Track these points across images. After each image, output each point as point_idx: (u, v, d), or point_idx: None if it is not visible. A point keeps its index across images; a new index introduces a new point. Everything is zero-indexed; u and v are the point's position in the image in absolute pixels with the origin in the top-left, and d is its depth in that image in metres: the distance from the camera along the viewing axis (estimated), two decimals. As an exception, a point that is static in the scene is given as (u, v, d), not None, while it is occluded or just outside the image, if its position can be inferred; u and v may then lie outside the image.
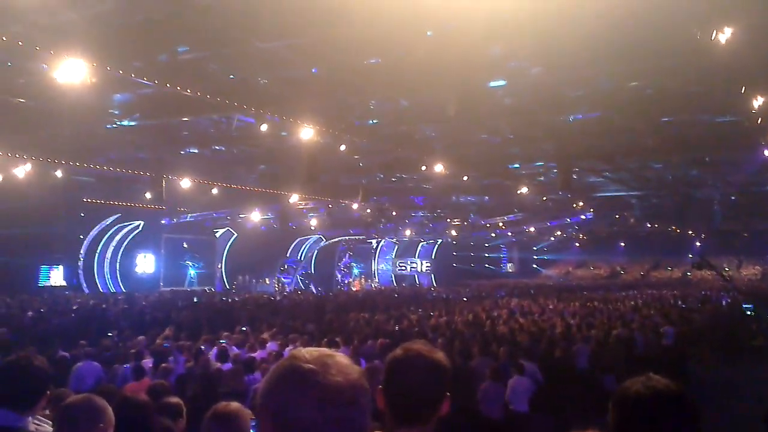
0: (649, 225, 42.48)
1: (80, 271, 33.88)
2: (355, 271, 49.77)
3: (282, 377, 1.43)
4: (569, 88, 14.66)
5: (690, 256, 56.21)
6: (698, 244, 53.79)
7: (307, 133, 15.76)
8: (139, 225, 35.49)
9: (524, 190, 25.99)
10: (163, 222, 35.70)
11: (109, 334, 14.20)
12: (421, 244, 53.19)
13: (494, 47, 12.11)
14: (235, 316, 19.65)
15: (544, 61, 12.65)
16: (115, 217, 33.92)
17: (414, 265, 54.34)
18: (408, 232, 46.19)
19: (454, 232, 45.55)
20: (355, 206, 31.21)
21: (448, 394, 2.16)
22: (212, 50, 12.73)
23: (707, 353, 17.19)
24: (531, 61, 12.92)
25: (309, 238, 45.50)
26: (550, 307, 23.95)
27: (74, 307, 21.84)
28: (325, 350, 1.49)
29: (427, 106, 15.75)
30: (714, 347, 18.28)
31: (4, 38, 11.09)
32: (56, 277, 33.26)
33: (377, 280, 51.20)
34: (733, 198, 30.55)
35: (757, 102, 12.96)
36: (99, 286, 34.14)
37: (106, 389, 5.52)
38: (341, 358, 1.47)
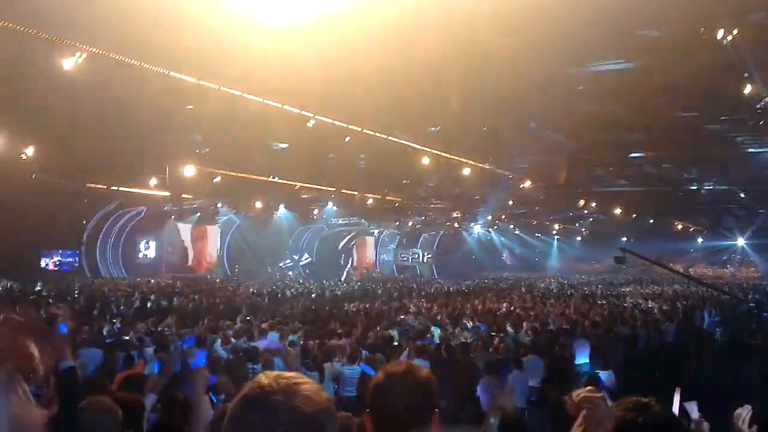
0: (651, 221, 42.42)
1: (83, 256, 34.01)
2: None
3: (250, 407, 1.45)
4: (573, 80, 14.61)
5: (692, 251, 56.30)
6: (701, 240, 53.72)
7: (312, 123, 15.77)
8: (141, 211, 35.54)
9: (527, 183, 25.95)
10: (165, 208, 35.67)
11: (113, 320, 14.23)
12: (423, 235, 53.21)
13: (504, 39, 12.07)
14: (236, 305, 19.71)
15: (549, 52, 12.60)
16: (118, 202, 33.96)
17: (416, 255, 54.38)
18: (410, 223, 46.22)
19: (456, 224, 45.55)
20: (358, 196, 31.19)
21: (437, 410, 2.13)
22: (216, 37, 12.67)
23: (708, 351, 17.20)
24: (536, 53, 12.85)
25: (312, 227, 45.53)
26: (551, 301, 23.96)
27: (76, 293, 21.95)
28: (293, 376, 1.51)
29: (431, 97, 15.66)
30: (714, 345, 18.29)
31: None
32: (57, 260, 33.40)
33: (378, 270, 51.32)
34: (742, 195, 30.37)
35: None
36: (101, 270, 34.27)
37: (95, 380, 5.54)
38: (309, 385, 1.50)
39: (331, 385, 9.89)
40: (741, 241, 49.93)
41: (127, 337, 11.40)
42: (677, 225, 44.67)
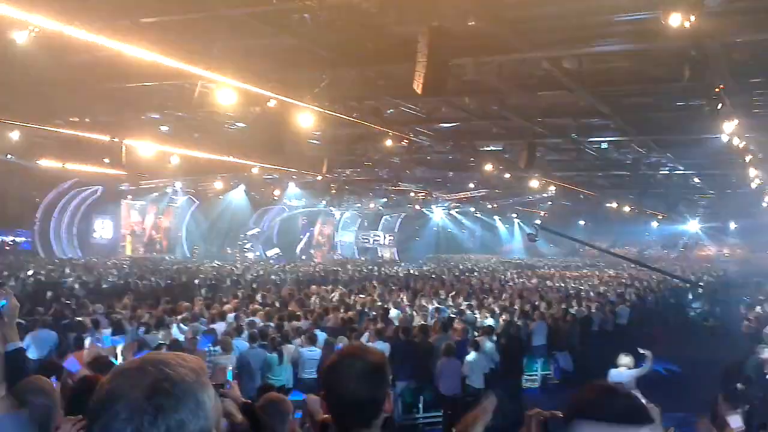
0: (608, 205, 43.10)
1: (35, 235, 33.23)
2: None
3: (114, 377, 1.40)
4: (534, 65, 14.67)
5: (647, 234, 57.42)
6: (655, 224, 54.83)
7: (272, 103, 15.53)
8: (97, 190, 34.80)
9: (488, 167, 26.08)
10: (122, 188, 34.91)
11: (67, 302, 13.96)
12: (384, 217, 53.25)
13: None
14: (195, 286, 19.53)
15: (509, 36, 12.62)
16: (73, 181, 33.13)
17: (377, 237, 54.44)
18: (372, 205, 46.21)
19: (417, 206, 45.67)
20: (318, 178, 31.01)
21: (389, 393, 2.15)
22: (175, 15, 12.38)
23: (660, 333, 17.64)
24: (498, 37, 12.85)
25: (272, 208, 45.18)
26: (510, 284, 24.27)
27: (29, 273, 21.45)
28: (168, 354, 1.48)
29: (391, 79, 15.55)
30: (667, 327, 18.73)
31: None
32: (11, 240, 32.63)
33: (339, 252, 51.28)
34: (696, 180, 30.99)
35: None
36: (55, 250, 33.53)
37: (49, 364, 5.45)
38: (182, 356, 1.46)
39: (290, 366, 9.87)
40: (695, 225, 51.00)
41: (80, 319, 11.22)
42: (634, 209, 45.48)
